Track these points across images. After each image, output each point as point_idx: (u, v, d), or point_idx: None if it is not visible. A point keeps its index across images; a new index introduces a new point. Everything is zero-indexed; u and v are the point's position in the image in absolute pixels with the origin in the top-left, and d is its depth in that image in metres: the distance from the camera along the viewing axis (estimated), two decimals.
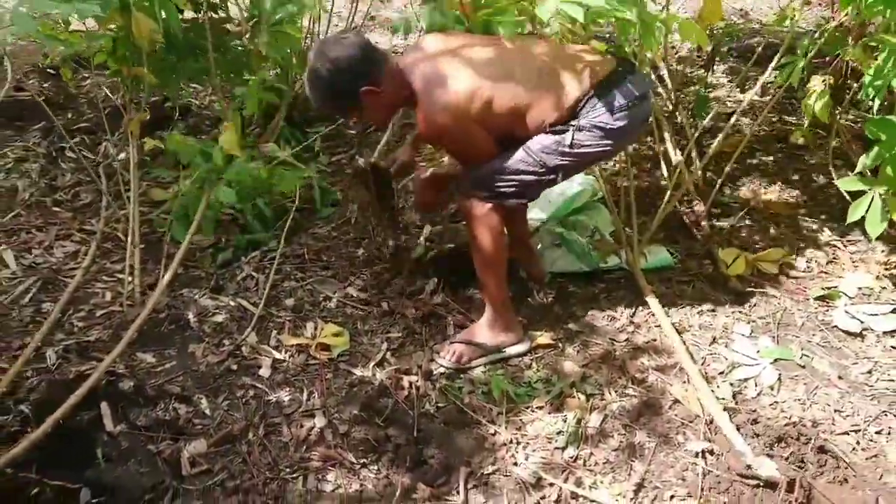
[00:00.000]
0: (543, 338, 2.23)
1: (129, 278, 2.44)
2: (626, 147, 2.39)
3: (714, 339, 2.25)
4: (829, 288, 2.44)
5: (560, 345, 2.23)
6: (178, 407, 1.98)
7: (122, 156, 3.17)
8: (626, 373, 2.11)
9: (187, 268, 2.56)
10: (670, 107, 3.35)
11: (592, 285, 2.50)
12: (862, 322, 2.28)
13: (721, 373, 2.11)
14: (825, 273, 2.55)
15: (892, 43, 1.89)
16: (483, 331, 2.17)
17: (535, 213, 2.72)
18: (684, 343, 2.18)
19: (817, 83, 2.32)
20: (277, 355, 2.18)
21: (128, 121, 2.75)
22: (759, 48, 3.32)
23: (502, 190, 1.99)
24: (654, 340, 2.24)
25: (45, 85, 4.00)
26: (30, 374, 2.07)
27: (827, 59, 2.70)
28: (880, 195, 2.21)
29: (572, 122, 1.94)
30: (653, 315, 2.30)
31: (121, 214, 2.74)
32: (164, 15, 2.59)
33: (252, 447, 1.86)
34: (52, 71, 4.05)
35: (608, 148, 1.98)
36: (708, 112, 2.99)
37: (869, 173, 2.23)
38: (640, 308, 2.37)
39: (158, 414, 1.95)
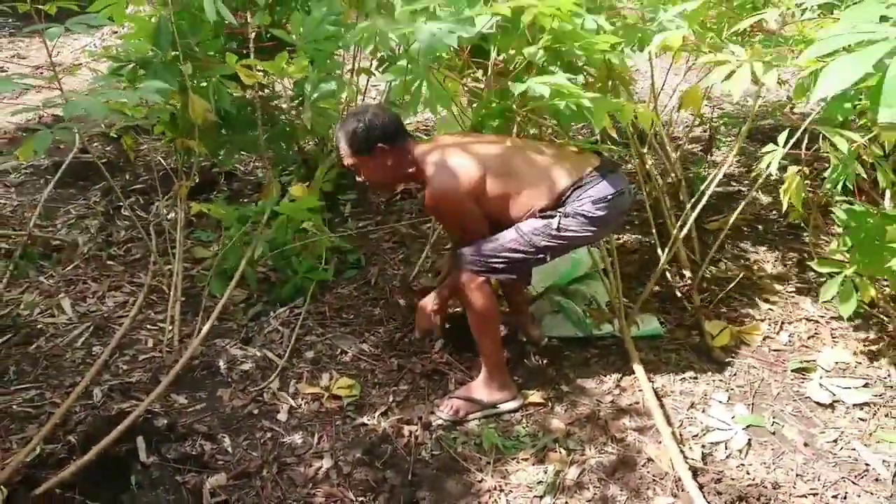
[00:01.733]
0: (535, 396, 2.45)
1: (170, 328, 2.75)
2: (607, 234, 2.65)
3: (693, 404, 2.44)
4: (806, 361, 2.62)
5: (550, 403, 2.44)
6: (203, 444, 2.24)
7: (171, 216, 3.52)
8: (608, 432, 2.31)
9: (221, 320, 2.85)
10: (673, 181, 3.58)
11: (585, 350, 2.72)
12: (834, 394, 2.45)
13: (695, 436, 2.30)
14: (805, 347, 2.72)
15: (843, 145, 2.11)
16: (480, 388, 2.40)
17: (541, 282, 2.97)
18: (662, 406, 2.38)
19: (791, 171, 2.54)
20: (294, 402, 2.43)
21: (178, 186, 3.11)
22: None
23: (495, 266, 2.25)
24: (637, 403, 2.44)
25: (108, 149, 4.42)
26: (78, 409, 2.35)
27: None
28: (851, 277, 2.41)
29: (559, 209, 2.21)
30: (638, 380, 2.50)
31: (166, 269, 3.06)
32: (216, 97, 2.96)
33: (265, 482, 2.11)
34: (114, 136, 4.48)
35: (590, 233, 2.24)
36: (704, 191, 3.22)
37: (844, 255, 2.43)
38: (628, 373, 2.57)
39: (186, 449, 2.21)
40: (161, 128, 3.30)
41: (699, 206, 2.70)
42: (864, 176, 2.44)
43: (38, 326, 2.80)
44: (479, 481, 2.12)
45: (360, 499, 2.06)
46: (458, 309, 2.86)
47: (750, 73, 1.84)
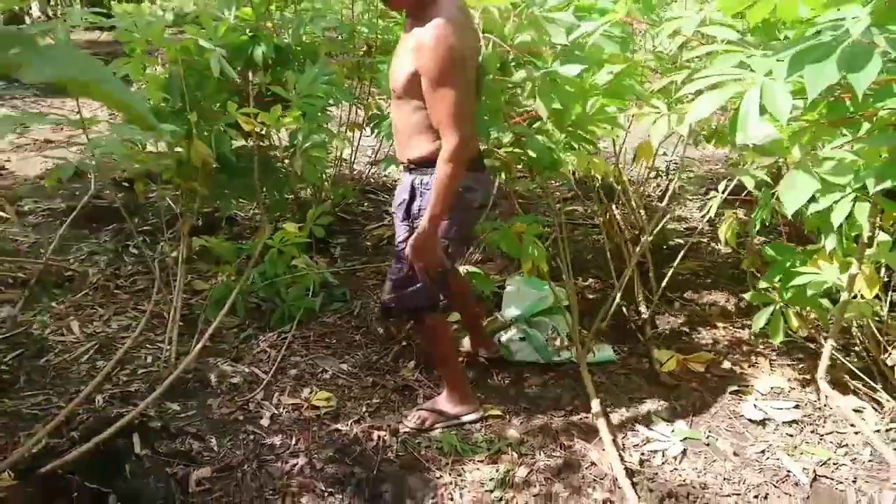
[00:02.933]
0: (495, 410, 2.71)
1: (168, 347, 3.02)
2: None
3: (637, 419, 2.69)
4: (744, 386, 2.88)
5: (508, 416, 2.70)
6: (192, 442, 2.50)
7: (174, 254, 3.84)
8: (557, 440, 2.56)
9: (215, 341, 3.13)
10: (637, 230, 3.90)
11: (545, 373, 2.98)
12: (766, 413, 2.70)
13: (636, 445, 2.55)
14: (745, 374, 2.98)
15: (750, 183, 2.43)
16: (444, 402, 2.66)
17: (511, 311, 3.26)
18: (608, 419, 2.63)
19: (728, 215, 2.86)
20: (276, 411, 2.70)
21: (181, 222, 3.44)
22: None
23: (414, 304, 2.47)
24: (586, 418, 2.69)
25: (120, 195, 4.78)
26: (81, 412, 2.62)
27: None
28: (780, 308, 2.70)
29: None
30: (590, 399, 2.76)
31: (168, 298, 3.36)
32: (217, 143, 3.32)
33: (245, 475, 2.36)
34: (126, 183, 4.85)
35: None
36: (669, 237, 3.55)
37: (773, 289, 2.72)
38: (581, 393, 2.83)
39: (176, 446, 2.47)
40: (169, 174, 3.65)
41: (648, 237, 3.00)
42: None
43: (49, 343, 3.08)
44: (438, 478, 2.37)
45: (330, 489, 2.30)
46: None
47: (666, 123, 2.14)
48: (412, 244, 2.24)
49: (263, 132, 3.74)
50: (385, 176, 5.51)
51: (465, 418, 2.65)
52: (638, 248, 3.09)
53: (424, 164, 2.24)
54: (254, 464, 2.41)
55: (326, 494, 2.28)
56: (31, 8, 15.88)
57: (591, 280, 3.79)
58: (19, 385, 2.80)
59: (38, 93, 8.16)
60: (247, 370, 2.95)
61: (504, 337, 3.10)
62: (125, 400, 2.71)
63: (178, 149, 3.50)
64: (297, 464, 2.41)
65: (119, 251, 4.02)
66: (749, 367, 3.03)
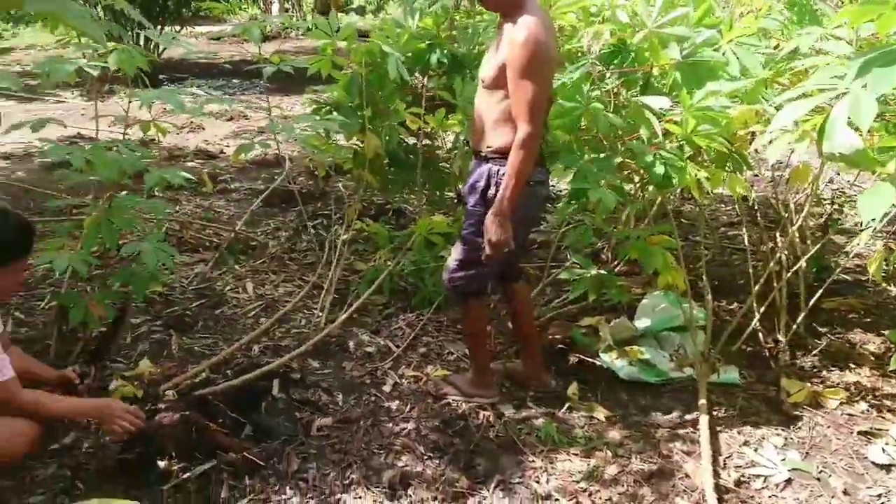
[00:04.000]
0: (600, 412, 2.77)
1: (320, 313, 3.40)
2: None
3: (746, 442, 2.63)
4: (877, 429, 2.70)
5: (614, 419, 2.75)
6: (321, 395, 2.82)
7: (344, 237, 4.26)
8: (657, 448, 2.58)
9: (361, 315, 3.46)
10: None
11: (663, 386, 2.98)
12: (894, 459, 2.52)
13: (737, 466, 2.50)
14: (881, 418, 2.79)
15: None
16: (465, 382, 2.86)
17: (642, 322, 3.28)
18: (713, 433, 2.60)
19: (879, 247, 2.71)
20: (398, 380, 2.96)
21: (347, 208, 3.83)
22: None
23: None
24: (693, 433, 2.67)
25: (309, 183, 5.35)
26: (239, 356, 3.04)
27: None
28: None
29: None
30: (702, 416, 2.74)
31: (328, 273, 3.75)
32: (388, 138, 3.67)
33: (360, 430, 2.63)
34: (315, 172, 5.41)
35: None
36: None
37: None
38: (694, 410, 2.80)
39: (308, 395, 2.80)
40: (348, 164, 4.07)
41: (801, 263, 2.89)
42: None
43: (226, 298, 3.58)
44: (530, 461, 2.49)
45: (429, 454, 2.51)
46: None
47: (785, 141, 2.10)
48: (487, 222, 2.43)
49: (430, 132, 4.06)
50: None
51: (478, 401, 2.81)
52: (787, 274, 2.99)
53: (503, 153, 2.42)
54: (369, 421, 2.68)
55: (425, 458, 2.49)
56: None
57: (735, 304, 3.68)
58: (196, 328, 3.30)
59: (262, 91, 9.21)
60: (382, 342, 3.24)
61: (608, 356, 3.11)
62: (276, 352, 3.10)
63: (355, 141, 3.91)
64: (405, 428, 2.64)
65: (298, 229, 4.52)
66: (888, 412, 2.83)
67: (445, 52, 3.80)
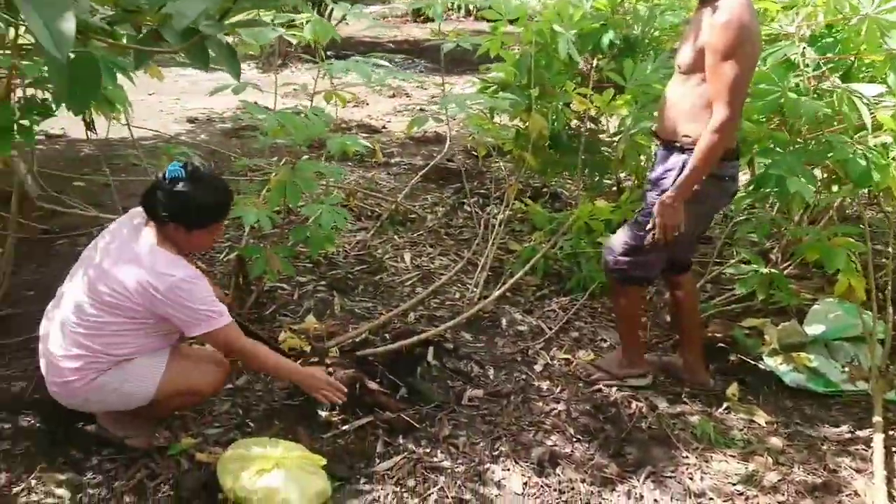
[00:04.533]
0: (761, 417, 2.64)
1: (474, 289, 3.45)
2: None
3: None
4: None
5: (775, 426, 2.61)
6: (473, 367, 2.87)
7: (500, 217, 4.29)
8: (823, 461, 2.43)
9: (514, 294, 3.48)
10: None
11: (831, 398, 2.80)
12: None
13: None
14: None
15: None
16: (614, 363, 2.83)
17: (813, 329, 3.09)
18: (888, 453, 2.41)
19: None
20: (550, 361, 2.95)
21: (507, 188, 3.85)
22: None
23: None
24: (864, 451, 2.49)
25: (467, 161, 5.43)
26: (395, 322, 3.14)
27: None
28: None
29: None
30: (874, 433, 2.54)
31: (483, 250, 3.79)
32: (554, 119, 3.65)
33: (510, 404, 2.65)
34: (473, 152, 5.48)
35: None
36: None
37: None
38: (866, 426, 2.61)
39: (461, 366, 2.86)
40: (509, 145, 4.09)
41: None
42: None
43: (385, 266, 3.71)
44: (684, 457, 2.42)
45: (578, 436, 2.50)
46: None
47: None
48: (661, 204, 2.37)
49: (594, 116, 3.99)
50: None
51: (632, 382, 2.76)
52: None
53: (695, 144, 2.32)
54: (519, 398, 2.70)
55: (574, 440, 2.48)
56: None
57: None
58: (357, 291, 3.44)
59: (421, 71, 9.42)
60: (534, 322, 3.25)
61: (772, 360, 2.94)
62: (430, 321, 3.19)
63: (518, 121, 3.92)
64: (555, 409, 2.64)
65: (455, 206, 4.60)
66: None
67: (619, 33, 3.72)
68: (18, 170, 3.03)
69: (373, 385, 2.55)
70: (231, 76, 1.51)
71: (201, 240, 2.18)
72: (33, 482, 2.13)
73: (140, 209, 2.14)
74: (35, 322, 2.28)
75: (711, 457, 2.43)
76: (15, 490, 2.10)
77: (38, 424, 2.38)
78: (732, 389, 2.77)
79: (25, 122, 2.26)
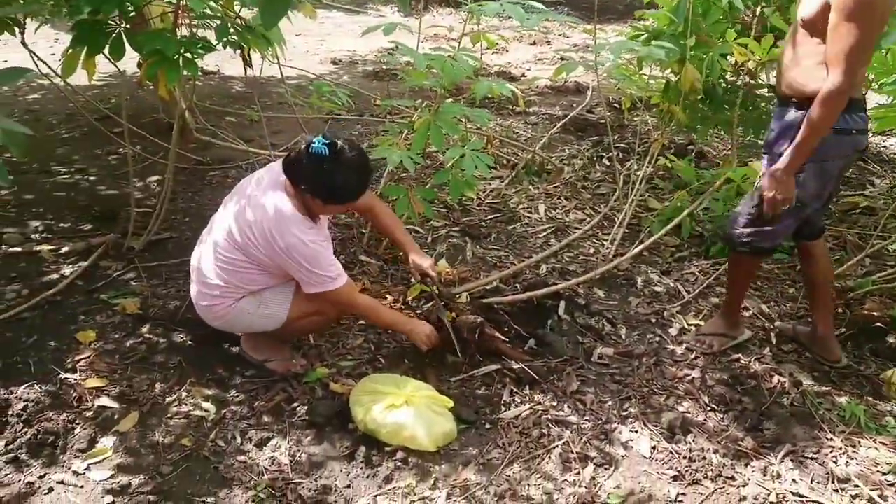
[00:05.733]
0: None
1: (609, 245, 3.35)
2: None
3: None
4: None
5: None
6: (605, 325, 2.80)
7: (640, 173, 4.13)
8: None
9: (652, 253, 3.36)
10: None
11: None
12: None
13: None
14: None
15: None
16: (718, 325, 2.74)
17: None
18: None
19: None
20: (686, 326, 2.83)
21: (653, 142, 3.68)
22: None
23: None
24: None
25: (609, 113, 5.24)
26: (527, 273, 3.11)
27: None
28: None
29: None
30: None
31: (622, 206, 3.67)
32: (709, 71, 3.43)
33: (641, 366, 2.57)
34: (616, 104, 5.28)
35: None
36: None
37: None
38: None
39: (592, 322, 2.79)
40: (656, 98, 3.90)
41: None
42: None
43: (518, 216, 3.67)
44: (828, 439, 2.27)
45: (713, 406, 2.39)
46: None
47: None
48: (768, 176, 2.23)
49: (753, 70, 3.72)
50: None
51: (741, 338, 2.71)
52: None
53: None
54: (652, 360, 2.61)
55: (708, 409, 2.38)
56: None
57: None
58: (489, 240, 3.43)
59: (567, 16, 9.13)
60: (672, 284, 3.12)
61: None
62: (563, 275, 3.13)
63: (669, 72, 3.72)
64: (690, 375, 2.54)
65: (594, 159, 4.46)
66: None
67: None
68: (179, 103, 3.20)
69: (494, 333, 2.53)
70: (400, 8, 1.50)
71: (334, 210, 2.27)
72: (184, 394, 2.29)
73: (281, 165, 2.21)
74: (189, 246, 2.43)
75: (860, 442, 2.26)
76: (168, 400, 2.27)
77: (189, 342, 2.55)
78: (888, 373, 2.56)
79: (190, 55, 2.36)
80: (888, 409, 2.43)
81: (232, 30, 2.55)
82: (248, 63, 2.94)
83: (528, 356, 2.56)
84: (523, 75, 6.58)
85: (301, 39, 7.86)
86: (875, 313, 2.89)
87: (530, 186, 4.02)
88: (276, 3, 1.49)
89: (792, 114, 2.27)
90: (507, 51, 7.49)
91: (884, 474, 2.14)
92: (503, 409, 2.32)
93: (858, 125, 2.23)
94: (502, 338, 2.57)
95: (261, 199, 2.15)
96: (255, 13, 2.90)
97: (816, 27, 2.15)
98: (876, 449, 2.24)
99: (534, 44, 7.88)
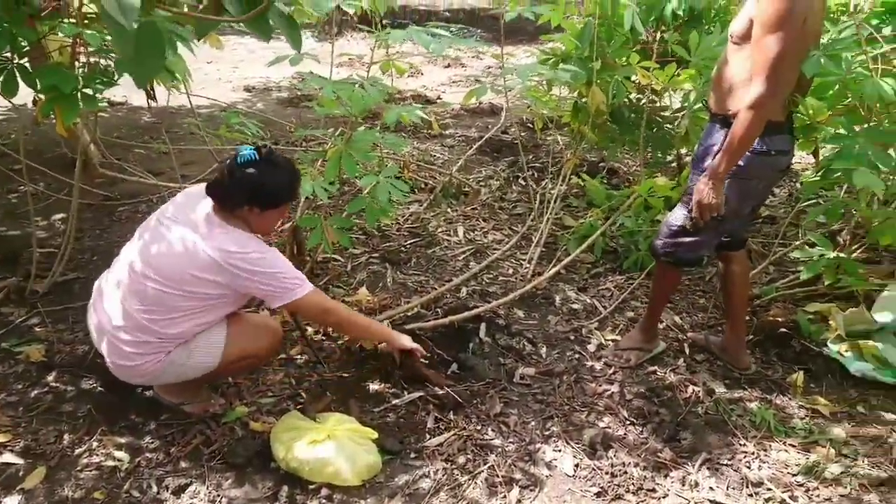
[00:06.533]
0: (823, 406, 2.55)
1: (527, 265, 3.41)
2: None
3: None
4: None
5: (839, 416, 2.52)
6: (525, 345, 2.84)
7: (554, 192, 4.22)
8: (889, 454, 2.33)
9: (568, 271, 3.43)
10: None
11: None
12: None
13: None
14: None
15: None
16: (636, 338, 2.82)
17: (882, 316, 2.95)
18: None
19: None
20: (604, 341, 2.90)
21: (565, 162, 3.77)
22: None
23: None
24: None
25: (522, 133, 5.34)
26: (448, 296, 3.12)
27: None
28: None
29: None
30: None
31: (538, 225, 3.74)
32: (615, 93, 3.54)
33: (562, 384, 2.62)
34: (529, 125, 5.39)
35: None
36: None
37: None
38: None
39: (512, 343, 2.82)
40: (567, 118, 4.00)
41: None
42: None
43: (438, 239, 3.69)
44: (741, 445, 2.35)
45: (632, 419, 2.44)
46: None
47: None
48: (699, 184, 2.31)
49: (656, 90, 3.86)
50: None
51: (656, 350, 2.81)
52: None
53: None
54: (572, 377, 2.66)
55: (627, 423, 2.43)
56: None
57: None
58: (409, 265, 3.43)
59: (477, 40, 9.29)
60: (588, 301, 3.19)
61: (837, 347, 2.82)
62: (483, 296, 3.16)
63: (576, 94, 3.82)
64: (609, 390, 2.59)
65: (510, 179, 4.54)
66: None
67: (683, 2, 3.57)
68: (82, 137, 3.09)
69: (418, 360, 2.52)
70: (291, 46, 1.48)
71: (273, 219, 2.20)
72: (94, 444, 2.19)
73: (198, 189, 2.15)
74: None
75: (770, 446, 2.36)
76: (77, 451, 2.16)
77: (99, 388, 2.44)
78: (796, 377, 2.68)
79: (89, 90, 2.29)
80: (795, 411, 2.54)
81: None
82: (150, 96, 2.86)
83: (451, 381, 2.57)
84: (439, 98, 6.65)
85: (213, 66, 7.73)
86: (780, 319, 3.03)
87: (448, 209, 4.05)
88: (146, 65, 1.43)
89: (720, 132, 2.34)
90: (421, 74, 7.56)
91: (794, 475, 2.23)
92: (428, 436, 2.31)
93: (778, 147, 2.31)
94: (425, 364, 2.57)
95: (196, 230, 2.03)
96: None
97: (746, 43, 2.22)
98: (786, 451, 2.33)
99: (448, 66, 7.98)
